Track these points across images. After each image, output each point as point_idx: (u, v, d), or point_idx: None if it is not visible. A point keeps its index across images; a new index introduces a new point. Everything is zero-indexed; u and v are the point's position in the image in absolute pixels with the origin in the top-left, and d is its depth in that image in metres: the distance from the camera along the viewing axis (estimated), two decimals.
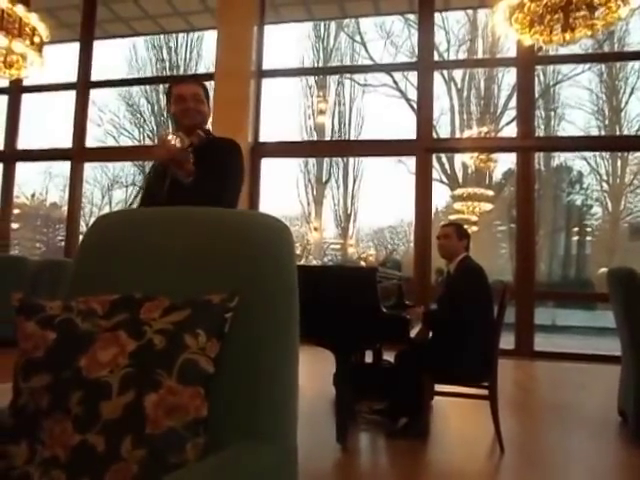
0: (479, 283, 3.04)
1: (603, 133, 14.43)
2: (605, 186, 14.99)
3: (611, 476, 2.61)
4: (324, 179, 15.70)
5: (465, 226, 3.67)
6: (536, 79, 7.91)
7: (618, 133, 14.07)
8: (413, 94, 11.42)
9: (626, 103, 14.11)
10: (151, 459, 0.83)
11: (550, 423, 3.49)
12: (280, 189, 13.62)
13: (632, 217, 14.87)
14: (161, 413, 0.85)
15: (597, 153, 14.12)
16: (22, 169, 12.97)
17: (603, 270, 10.64)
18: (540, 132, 13.06)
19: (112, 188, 16.56)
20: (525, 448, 3.00)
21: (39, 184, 16.20)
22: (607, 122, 14.36)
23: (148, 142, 16.51)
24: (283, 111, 12.86)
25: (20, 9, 5.26)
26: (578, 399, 4.18)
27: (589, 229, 15.82)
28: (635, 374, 3.07)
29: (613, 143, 9.20)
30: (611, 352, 4.99)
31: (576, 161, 15.05)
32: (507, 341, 4.99)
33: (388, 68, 13.25)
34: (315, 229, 15.39)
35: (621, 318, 3.25)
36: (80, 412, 0.86)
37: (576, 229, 15.65)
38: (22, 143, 8.50)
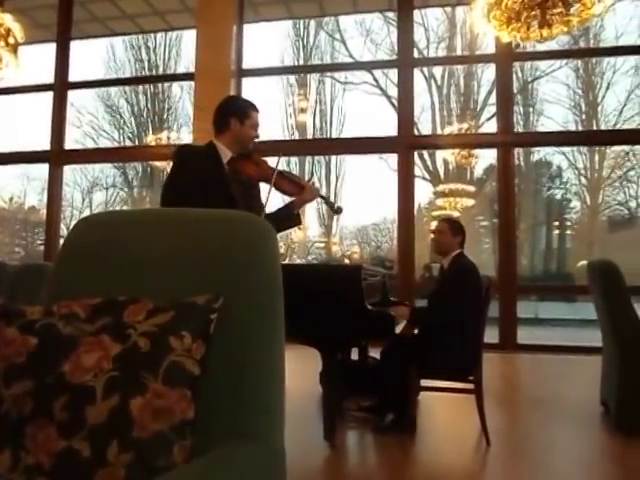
0: (471, 283, 3.06)
1: (581, 128, 14.65)
2: (584, 180, 15.24)
3: (595, 466, 2.65)
4: (306, 178, 15.68)
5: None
6: (514, 75, 7.99)
7: (595, 128, 14.31)
8: (394, 91, 11.46)
9: (603, 98, 14.34)
10: (138, 463, 0.82)
11: (534, 415, 3.53)
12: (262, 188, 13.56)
13: (610, 210, 15.13)
14: (147, 416, 0.85)
15: (575, 148, 14.32)
16: None
17: (583, 263, 10.80)
18: (519, 128, 13.20)
19: (92, 190, 16.36)
20: (511, 440, 3.04)
21: (17, 187, 15.94)
22: (584, 117, 14.58)
23: (128, 143, 16.35)
24: (264, 110, 12.80)
25: None
26: (561, 391, 4.24)
27: (569, 223, 16.07)
28: (616, 364, 3.13)
29: (591, 138, 9.36)
30: (592, 343, 5.07)
31: (555, 156, 15.27)
32: (491, 335, 5.04)
33: (368, 66, 13.25)
34: (299, 228, 15.37)
35: (601, 309, 3.31)
36: (64, 418, 0.85)
37: (556, 223, 15.88)
38: None
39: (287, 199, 2.76)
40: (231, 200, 2.41)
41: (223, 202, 2.01)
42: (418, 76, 12.74)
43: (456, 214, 11.46)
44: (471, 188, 11.80)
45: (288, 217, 2.68)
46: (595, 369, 3.61)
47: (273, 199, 2.67)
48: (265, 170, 2.61)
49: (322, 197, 2.87)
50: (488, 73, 13.05)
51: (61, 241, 7.66)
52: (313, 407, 3.49)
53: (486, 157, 11.10)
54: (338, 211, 2.93)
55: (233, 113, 2.56)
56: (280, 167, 2.64)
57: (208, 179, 2.41)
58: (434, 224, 3.49)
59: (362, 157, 14.07)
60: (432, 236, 3.38)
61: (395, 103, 9.28)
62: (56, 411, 0.85)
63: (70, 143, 8.61)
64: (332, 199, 15.74)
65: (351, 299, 2.80)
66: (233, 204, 2.38)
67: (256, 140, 2.64)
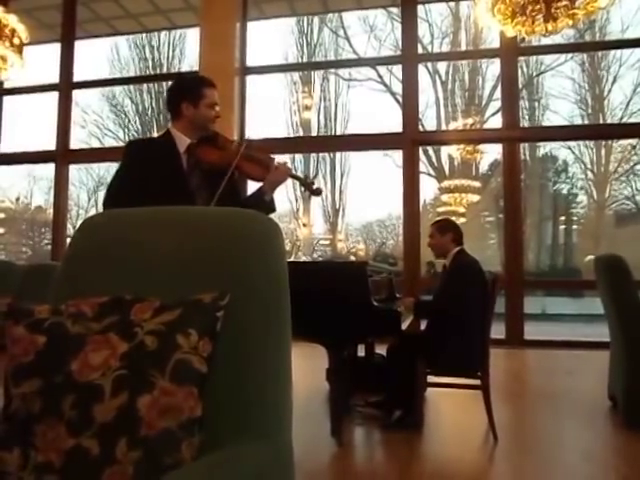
0: (473, 280, 3.05)
1: (587, 122, 14.57)
2: (590, 175, 15.16)
3: (603, 460, 2.64)
4: (311, 175, 15.70)
5: (453, 217, 3.68)
6: (519, 70, 7.96)
7: (602, 122, 14.22)
8: (398, 87, 11.47)
9: (609, 92, 14.27)
10: (147, 460, 0.83)
11: (542, 410, 3.52)
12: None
13: (617, 205, 15.05)
14: (155, 414, 0.85)
15: (581, 142, 14.25)
16: (5, 173, 12.84)
17: (590, 258, 10.74)
18: (525, 122, 13.16)
19: (98, 190, 16.43)
20: (518, 436, 3.04)
21: (23, 187, 16.03)
22: (590, 111, 14.51)
23: None
24: (268, 108, 12.83)
25: None
26: (569, 386, 4.23)
27: (575, 218, 16.01)
28: (624, 359, 3.11)
29: (597, 132, 9.29)
30: (600, 338, 5.05)
31: (561, 150, 15.22)
32: (497, 330, 5.02)
33: (372, 62, 13.26)
34: (304, 225, 15.40)
35: (608, 304, 3.30)
36: (73, 416, 0.86)
37: (563, 218, 15.82)
38: (4, 146, 8.39)
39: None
40: (187, 194, 2.20)
41: (178, 198, 1.75)
42: (422, 72, 12.66)
43: (461, 210, 11.45)
44: (476, 184, 11.77)
45: (258, 204, 2.32)
46: (602, 364, 3.60)
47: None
48: (229, 154, 2.29)
49: (295, 177, 2.52)
50: (493, 68, 13.01)
51: (68, 240, 7.70)
52: (320, 404, 3.49)
53: (491, 152, 11.08)
54: (316, 192, 2.53)
55: (183, 96, 2.29)
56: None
57: (160, 175, 2.17)
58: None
59: (367, 154, 14.09)
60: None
61: (399, 99, 9.26)
62: (65, 409, 0.86)
63: (75, 143, 8.66)
64: (338, 196, 15.71)
65: (357, 296, 2.80)
66: (190, 199, 2.18)
67: (217, 118, 2.34)
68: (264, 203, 2.34)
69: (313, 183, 2.52)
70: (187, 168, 2.27)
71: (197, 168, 2.28)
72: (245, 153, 2.30)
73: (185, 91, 2.31)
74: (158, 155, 2.25)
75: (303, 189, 2.54)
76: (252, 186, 2.45)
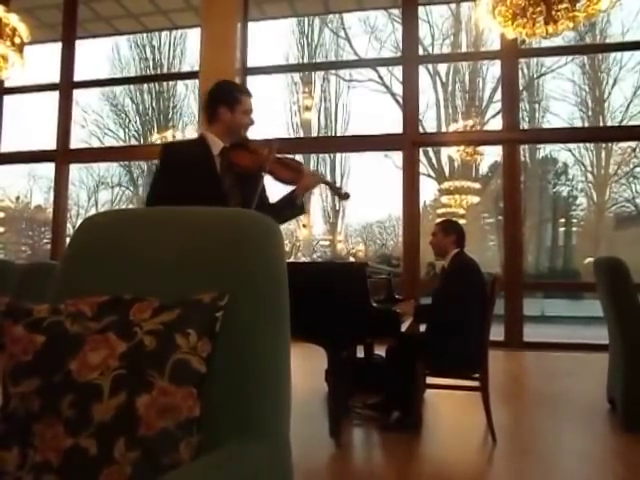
0: (472, 281, 3.05)
1: (587, 124, 14.58)
2: (590, 177, 15.17)
3: (601, 462, 2.64)
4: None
5: (453, 219, 3.68)
6: (520, 72, 7.96)
7: (602, 124, 14.22)
8: (398, 89, 11.46)
9: (609, 94, 14.28)
10: (145, 460, 0.83)
11: (541, 412, 3.52)
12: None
13: (617, 207, 15.06)
14: (154, 414, 0.85)
15: (581, 144, 14.27)
16: (5, 172, 12.84)
17: (589, 260, 10.75)
18: (525, 124, 13.17)
19: (98, 189, 16.43)
20: (517, 437, 3.04)
21: (23, 187, 16.03)
22: (591, 113, 14.52)
23: (134, 142, 16.40)
24: (269, 108, 12.84)
25: None
26: (567, 388, 4.23)
27: (575, 220, 16.01)
28: (623, 362, 3.11)
29: (597, 134, 9.30)
30: (598, 341, 5.05)
31: (561, 152, 15.23)
32: (497, 332, 5.02)
33: (373, 63, 13.27)
34: (304, 226, 15.38)
35: (608, 307, 3.30)
36: (71, 415, 0.85)
37: (562, 220, 15.82)
38: (5, 145, 8.39)
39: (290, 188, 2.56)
40: (220, 196, 2.28)
41: (211, 199, 1.82)
42: (423, 73, 12.66)
43: (461, 211, 11.44)
44: (476, 185, 11.77)
45: (290, 207, 2.50)
46: (602, 366, 3.60)
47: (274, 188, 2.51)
48: (260, 158, 2.39)
49: (326, 183, 2.69)
50: (493, 70, 13.04)
51: (67, 240, 7.70)
52: (319, 405, 3.49)
53: (491, 154, 11.09)
54: (345, 197, 2.63)
55: (221, 101, 2.39)
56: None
57: (194, 177, 2.26)
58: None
59: (367, 155, 14.06)
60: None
61: (400, 100, 9.28)
62: (63, 409, 0.86)
63: (76, 142, 8.65)
64: (337, 197, 15.72)
65: (356, 297, 2.80)
66: (223, 200, 2.27)
67: (251, 126, 2.45)
68: (295, 206, 2.49)
69: (341, 188, 2.66)
70: (220, 170, 2.37)
71: (230, 171, 2.38)
72: (276, 157, 2.41)
73: (223, 96, 2.41)
74: (193, 158, 2.34)
75: (332, 193, 2.68)
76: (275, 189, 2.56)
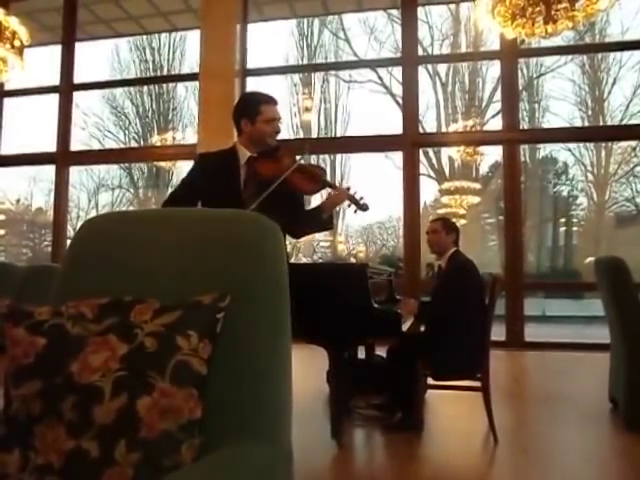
0: (470, 280, 3.05)
1: (587, 124, 14.57)
2: (590, 176, 15.16)
3: (604, 462, 2.64)
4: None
5: (453, 219, 3.68)
6: (519, 72, 7.96)
7: (602, 124, 14.22)
8: (398, 89, 11.47)
9: (609, 94, 14.27)
10: (146, 462, 0.83)
11: (542, 412, 3.52)
12: None
13: (617, 206, 15.05)
14: (155, 416, 0.85)
15: (581, 144, 14.26)
16: (6, 174, 12.83)
17: (590, 259, 10.73)
18: (525, 124, 13.17)
19: (98, 191, 16.44)
20: (518, 437, 3.03)
21: (24, 189, 16.04)
22: (590, 113, 14.51)
23: (134, 144, 16.41)
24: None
25: None
26: (569, 388, 4.22)
27: (575, 219, 16.00)
28: (625, 361, 3.11)
29: (597, 134, 9.30)
30: (600, 340, 5.04)
31: (561, 152, 15.22)
32: (498, 332, 5.02)
33: (373, 64, 13.25)
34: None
35: (609, 306, 3.29)
36: (73, 418, 0.85)
37: (563, 220, 15.81)
38: (5, 148, 8.40)
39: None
40: (238, 204, 2.31)
41: (229, 206, 1.88)
42: (423, 74, 12.64)
43: (462, 211, 11.45)
44: (477, 185, 11.78)
45: (315, 220, 2.53)
46: (603, 366, 3.59)
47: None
48: (281, 167, 2.40)
49: (351, 198, 2.65)
50: (493, 70, 13.04)
51: (68, 242, 7.70)
52: (320, 406, 3.49)
53: (491, 154, 11.07)
54: (365, 208, 2.65)
55: (242, 113, 2.49)
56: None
57: (218, 184, 2.36)
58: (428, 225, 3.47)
59: (367, 155, 14.05)
60: (427, 237, 3.37)
61: (400, 101, 9.27)
62: (65, 411, 0.86)
63: (76, 144, 8.66)
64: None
65: (357, 297, 2.80)
66: (240, 208, 2.33)
67: (278, 133, 2.50)
68: (320, 220, 2.54)
69: (362, 198, 2.68)
70: (244, 179, 2.46)
71: (253, 179, 2.44)
72: (298, 167, 2.43)
73: (244, 109, 2.51)
74: (221, 166, 2.46)
75: (353, 206, 2.66)
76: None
